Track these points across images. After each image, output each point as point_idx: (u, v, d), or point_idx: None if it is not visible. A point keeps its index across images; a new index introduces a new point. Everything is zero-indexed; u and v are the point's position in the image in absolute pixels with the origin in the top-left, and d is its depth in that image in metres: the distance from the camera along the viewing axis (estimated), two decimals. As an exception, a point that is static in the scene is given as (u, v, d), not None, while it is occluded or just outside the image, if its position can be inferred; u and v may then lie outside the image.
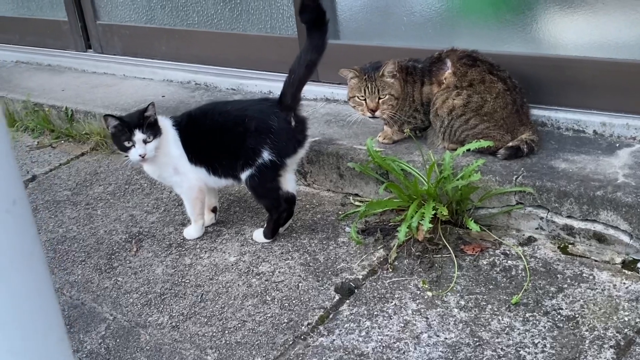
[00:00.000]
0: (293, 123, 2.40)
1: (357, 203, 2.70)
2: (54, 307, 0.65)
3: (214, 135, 2.46)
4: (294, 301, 2.19)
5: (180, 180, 2.52)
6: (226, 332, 2.10)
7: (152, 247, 2.59)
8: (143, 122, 2.41)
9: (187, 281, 2.36)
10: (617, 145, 2.44)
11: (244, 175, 2.42)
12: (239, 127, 2.39)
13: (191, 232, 2.61)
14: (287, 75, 2.38)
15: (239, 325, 2.12)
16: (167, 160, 2.49)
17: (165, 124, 2.50)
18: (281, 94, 2.40)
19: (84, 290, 2.40)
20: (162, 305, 2.26)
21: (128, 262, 2.52)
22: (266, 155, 2.36)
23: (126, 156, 2.46)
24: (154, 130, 2.43)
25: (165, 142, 2.47)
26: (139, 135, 2.40)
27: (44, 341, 0.58)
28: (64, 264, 2.56)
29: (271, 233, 2.51)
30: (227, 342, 2.06)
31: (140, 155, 2.41)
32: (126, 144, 2.42)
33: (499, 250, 2.30)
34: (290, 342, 2.03)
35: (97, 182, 3.17)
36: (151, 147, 2.42)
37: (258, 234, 2.54)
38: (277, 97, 2.42)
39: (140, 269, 2.47)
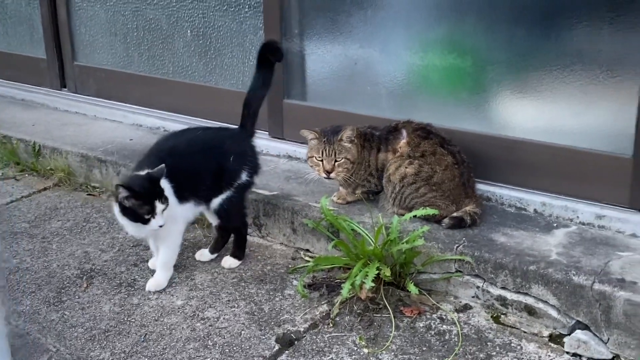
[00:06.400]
0: None
1: (307, 258, 2.79)
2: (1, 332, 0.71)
3: (195, 168, 2.60)
4: (234, 348, 2.25)
5: (173, 227, 2.56)
6: (165, 372, 2.16)
7: (102, 285, 2.64)
8: (160, 190, 2.39)
9: (133, 320, 2.41)
10: (555, 225, 2.59)
11: (220, 198, 2.63)
12: (218, 154, 2.63)
13: (162, 281, 2.60)
14: (244, 106, 2.72)
15: (179, 366, 2.18)
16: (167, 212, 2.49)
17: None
18: (243, 124, 2.73)
19: (30, 321, 2.43)
20: (105, 342, 2.30)
21: (77, 297, 2.57)
22: (244, 176, 2.65)
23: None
24: (165, 196, 2.42)
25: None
26: (159, 207, 2.39)
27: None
28: (14, 293, 2.59)
29: (242, 253, 2.77)
30: (165, 382, 2.12)
31: (160, 226, 2.42)
32: (146, 216, 2.38)
33: (435, 315, 2.40)
34: (226, 387, 2.09)
35: (56, 217, 3.22)
36: (166, 214, 2.42)
37: (229, 261, 2.74)
38: (231, 127, 2.79)
39: (88, 305, 2.51)
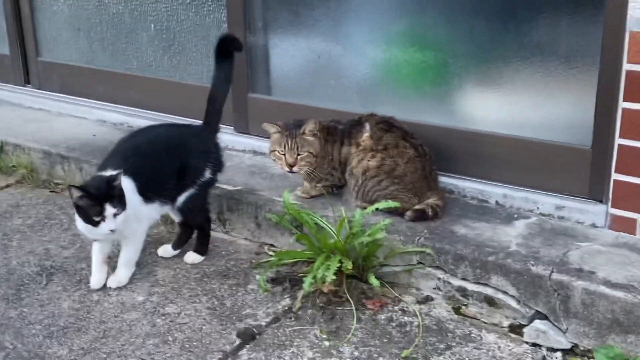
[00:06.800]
0: None
1: (271, 253, 2.78)
2: None
3: (159, 167, 2.57)
4: (195, 343, 2.24)
5: (138, 226, 2.54)
6: (124, 368, 2.14)
7: (62, 282, 2.61)
8: (113, 193, 2.33)
9: (92, 317, 2.38)
10: (515, 216, 2.60)
11: (184, 196, 2.61)
12: (181, 152, 2.61)
13: (123, 278, 2.57)
14: (208, 102, 2.71)
15: (138, 362, 2.16)
16: (129, 211, 2.43)
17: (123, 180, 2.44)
18: (208, 121, 2.71)
19: (-13, 318, 2.40)
20: (63, 339, 2.27)
21: (36, 294, 2.53)
22: (207, 173, 2.64)
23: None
24: (123, 201, 2.36)
25: (127, 195, 2.42)
26: (110, 210, 2.33)
27: None
28: (-29, 291, 2.56)
29: (205, 248, 2.75)
30: (123, 378, 2.10)
31: (111, 230, 2.35)
32: (95, 218, 2.33)
33: (397, 307, 2.40)
34: (186, 382, 2.07)
35: (17, 214, 3.18)
36: (120, 219, 2.36)
37: (192, 257, 2.72)
38: (195, 123, 2.78)
39: (47, 302, 2.48)
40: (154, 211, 2.59)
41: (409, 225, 2.54)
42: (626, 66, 2.30)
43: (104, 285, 2.56)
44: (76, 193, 2.32)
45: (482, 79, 2.76)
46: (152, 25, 3.67)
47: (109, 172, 2.40)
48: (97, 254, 2.58)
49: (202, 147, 2.67)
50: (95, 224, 2.34)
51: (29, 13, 4.18)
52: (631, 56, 2.28)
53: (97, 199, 2.32)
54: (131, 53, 3.82)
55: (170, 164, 2.59)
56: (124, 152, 2.58)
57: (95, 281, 2.56)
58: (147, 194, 2.52)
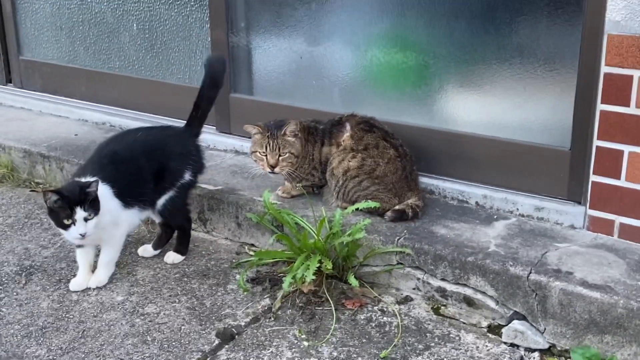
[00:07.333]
0: None
1: (251, 252, 2.78)
2: None
3: (138, 173, 2.56)
4: (174, 343, 2.23)
5: (115, 231, 2.54)
6: (102, 368, 2.13)
7: (41, 281, 2.59)
8: (85, 198, 2.33)
9: (71, 317, 2.37)
10: (495, 217, 2.62)
11: (164, 199, 2.62)
12: (161, 155, 2.62)
13: (103, 278, 2.56)
14: (194, 108, 2.75)
15: (116, 362, 2.15)
16: (108, 218, 2.45)
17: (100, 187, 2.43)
18: (190, 124, 2.75)
19: (-36, 319, 2.38)
20: (42, 339, 2.26)
21: (15, 293, 2.52)
22: (187, 175, 2.65)
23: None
24: (95, 207, 2.36)
25: (104, 202, 2.42)
26: (80, 213, 2.33)
27: None
28: (-51, 291, 2.54)
29: (185, 248, 2.75)
30: (101, 378, 2.09)
31: (80, 234, 2.35)
32: (65, 221, 2.33)
33: (377, 307, 2.41)
34: (164, 382, 2.07)
35: (-3, 213, 3.17)
36: (92, 224, 2.36)
37: (172, 257, 2.72)
38: (176, 124, 2.87)
39: (26, 302, 2.46)
40: (134, 216, 2.59)
41: (389, 226, 2.54)
42: (604, 69, 2.32)
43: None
44: (52, 197, 2.32)
45: (462, 81, 2.78)
46: (135, 25, 3.66)
47: (87, 179, 2.41)
48: (82, 259, 2.57)
49: (181, 150, 2.68)
50: (66, 227, 2.35)
51: (11, 11, 4.15)
52: (609, 59, 2.30)
53: (68, 202, 2.31)
54: (113, 52, 3.80)
55: (149, 169, 2.58)
56: (102, 159, 2.57)
57: (75, 283, 2.55)
58: (126, 199, 2.52)
